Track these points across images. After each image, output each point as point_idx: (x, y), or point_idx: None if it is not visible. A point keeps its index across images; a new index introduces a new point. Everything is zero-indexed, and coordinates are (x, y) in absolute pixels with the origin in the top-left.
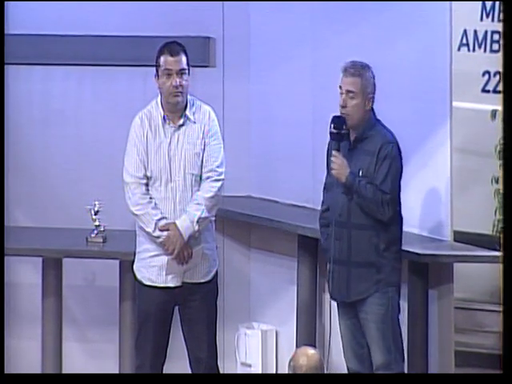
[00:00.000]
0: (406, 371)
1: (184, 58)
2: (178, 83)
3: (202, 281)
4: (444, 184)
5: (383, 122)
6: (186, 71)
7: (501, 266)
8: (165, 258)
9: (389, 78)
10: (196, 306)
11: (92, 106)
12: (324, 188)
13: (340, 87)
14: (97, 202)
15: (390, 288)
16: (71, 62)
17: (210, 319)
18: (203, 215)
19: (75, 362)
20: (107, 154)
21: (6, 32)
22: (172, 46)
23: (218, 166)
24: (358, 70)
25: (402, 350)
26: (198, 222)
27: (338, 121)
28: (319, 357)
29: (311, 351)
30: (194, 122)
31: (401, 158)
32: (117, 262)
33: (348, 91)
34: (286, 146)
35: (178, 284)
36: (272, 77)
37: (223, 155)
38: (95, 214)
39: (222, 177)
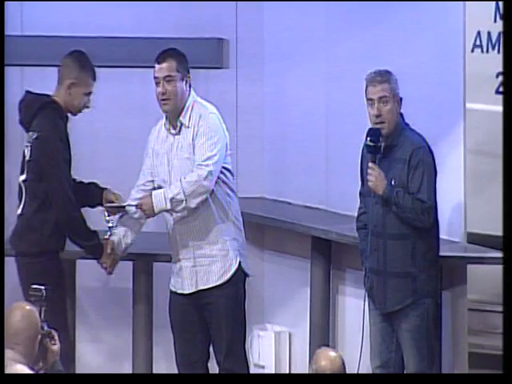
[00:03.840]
0: None
1: (172, 64)
2: (162, 90)
3: (218, 283)
4: (457, 186)
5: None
6: (175, 77)
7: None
8: (177, 265)
9: (402, 80)
10: (212, 309)
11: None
12: (360, 194)
13: (370, 99)
14: (109, 204)
15: (427, 299)
16: None
17: (227, 323)
18: (178, 197)
19: (88, 362)
20: (116, 156)
21: (20, 33)
22: (161, 53)
23: (204, 160)
24: (384, 75)
25: (436, 359)
26: (170, 200)
27: (373, 133)
28: (342, 360)
29: (333, 354)
30: (188, 127)
31: (433, 161)
32: (130, 263)
33: (380, 98)
34: (299, 147)
35: (192, 290)
36: (286, 78)
37: (217, 148)
38: (108, 215)
39: (209, 168)
